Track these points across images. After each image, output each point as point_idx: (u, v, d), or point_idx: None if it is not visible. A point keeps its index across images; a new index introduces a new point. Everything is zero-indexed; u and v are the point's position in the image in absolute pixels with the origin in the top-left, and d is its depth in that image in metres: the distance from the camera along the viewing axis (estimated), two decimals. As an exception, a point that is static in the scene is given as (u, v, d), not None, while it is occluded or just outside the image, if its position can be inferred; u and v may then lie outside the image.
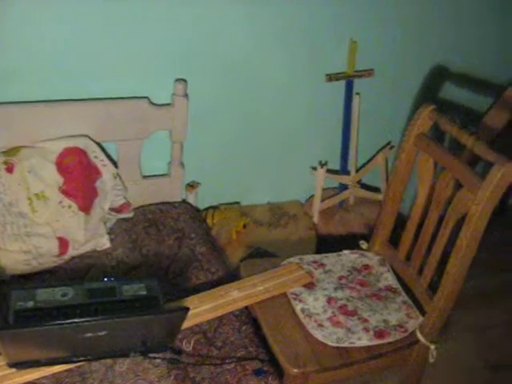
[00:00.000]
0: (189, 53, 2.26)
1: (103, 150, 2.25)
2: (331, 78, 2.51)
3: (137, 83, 2.25)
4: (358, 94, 2.63)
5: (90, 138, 2.19)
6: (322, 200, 2.69)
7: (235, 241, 2.50)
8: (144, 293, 1.78)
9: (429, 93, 2.79)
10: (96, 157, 2.20)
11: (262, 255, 2.42)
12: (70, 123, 2.15)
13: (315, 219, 2.68)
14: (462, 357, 2.48)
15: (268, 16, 2.30)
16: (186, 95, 2.27)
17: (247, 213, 2.65)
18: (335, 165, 2.78)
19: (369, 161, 2.85)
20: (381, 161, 2.74)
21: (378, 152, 2.84)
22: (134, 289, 1.79)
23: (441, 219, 1.85)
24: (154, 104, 2.27)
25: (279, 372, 1.77)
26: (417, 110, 1.92)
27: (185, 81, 2.27)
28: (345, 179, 2.72)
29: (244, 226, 2.53)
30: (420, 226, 1.96)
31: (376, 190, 2.91)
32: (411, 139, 1.93)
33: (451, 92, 2.81)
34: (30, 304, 1.69)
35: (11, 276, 2.00)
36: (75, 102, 2.16)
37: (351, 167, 2.74)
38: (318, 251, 2.52)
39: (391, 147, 2.82)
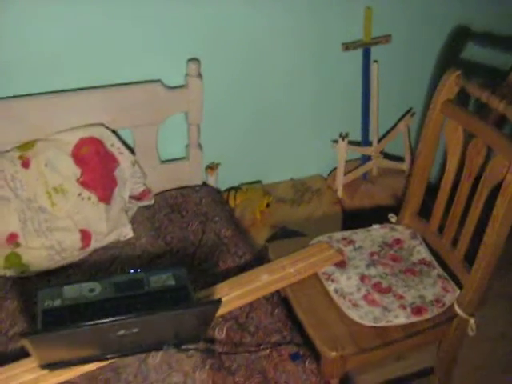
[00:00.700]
0: (200, 31, 2.18)
1: (119, 137, 2.19)
2: (348, 46, 2.43)
3: (148, 66, 2.18)
4: (375, 61, 2.54)
5: (104, 126, 2.13)
6: (345, 173, 2.62)
7: (259, 221, 2.45)
8: (172, 283, 1.75)
9: (450, 55, 2.70)
10: (112, 145, 2.14)
11: (288, 235, 2.37)
12: (83, 113, 2.09)
13: (339, 193, 2.61)
14: (496, 324, 2.42)
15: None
16: (199, 75, 2.20)
17: (269, 191, 2.59)
18: (356, 136, 2.70)
19: (390, 130, 2.77)
20: (403, 129, 2.66)
21: (399, 120, 2.75)
22: (162, 279, 1.76)
23: (473, 188, 1.78)
24: (167, 87, 2.20)
25: (315, 355, 1.73)
26: (442, 76, 1.83)
27: (198, 60, 2.19)
28: (367, 150, 2.65)
29: (267, 205, 2.47)
30: (451, 196, 1.88)
31: (399, 159, 2.83)
32: (438, 107, 1.85)
33: (473, 52, 2.71)
34: (58, 302, 1.66)
35: (35, 273, 1.96)
36: (87, 90, 2.09)
37: (373, 137, 2.66)
38: (345, 226, 2.47)
39: (412, 114, 2.74)
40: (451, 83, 1.81)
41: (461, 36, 2.67)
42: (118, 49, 2.10)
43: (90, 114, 2.11)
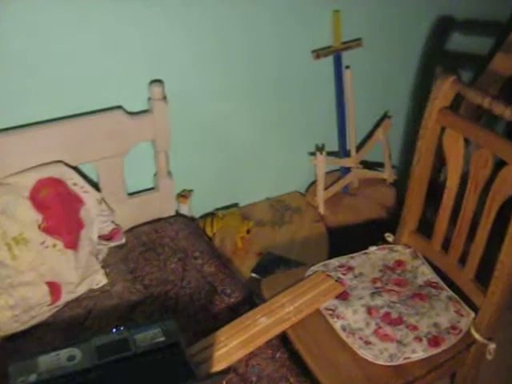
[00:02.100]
0: (160, 50, 1.99)
1: (81, 174, 1.98)
2: (319, 54, 2.27)
3: (106, 92, 1.97)
4: (348, 67, 2.39)
5: (64, 163, 1.91)
6: (325, 188, 2.45)
7: (241, 249, 2.26)
8: (162, 339, 1.55)
9: (429, 51, 2.58)
10: (75, 184, 1.93)
11: (274, 261, 2.19)
12: (39, 150, 1.87)
13: (321, 210, 2.45)
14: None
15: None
16: (164, 98, 2.00)
17: (247, 214, 2.41)
18: (333, 146, 2.54)
19: (368, 137, 2.62)
20: (381, 135, 2.52)
21: (376, 126, 2.61)
22: (149, 336, 1.56)
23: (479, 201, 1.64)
24: (130, 113, 2.00)
25: (328, 402, 1.56)
26: (435, 83, 1.69)
27: (161, 82, 2.00)
28: (347, 162, 2.50)
29: (248, 232, 2.29)
30: (454, 211, 1.74)
31: (378, 165, 2.69)
32: (433, 116, 1.71)
33: (455, 44, 2.61)
34: (33, 378, 1.45)
35: (1, 338, 1.73)
36: (41, 125, 1.87)
37: (351, 147, 2.51)
38: (332, 246, 2.30)
39: (389, 117, 2.60)
40: (446, 89, 1.66)
41: (440, 28, 2.55)
42: (72, 76, 1.89)
43: (47, 151, 1.89)
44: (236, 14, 2.06)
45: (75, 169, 1.95)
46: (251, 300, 1.87)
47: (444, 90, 1.66)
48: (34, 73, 1.82)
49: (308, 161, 2.51)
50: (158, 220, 2.20)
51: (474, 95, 1.59)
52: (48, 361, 1.48)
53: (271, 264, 2.19)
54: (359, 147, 2.55)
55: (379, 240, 2.01)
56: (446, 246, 1.80)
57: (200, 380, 1.43)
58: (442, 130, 1.72)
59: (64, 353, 1.51)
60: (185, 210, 2.26)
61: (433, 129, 1.72)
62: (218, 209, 2.43)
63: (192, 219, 2.30)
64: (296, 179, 2.60)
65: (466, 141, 1.65)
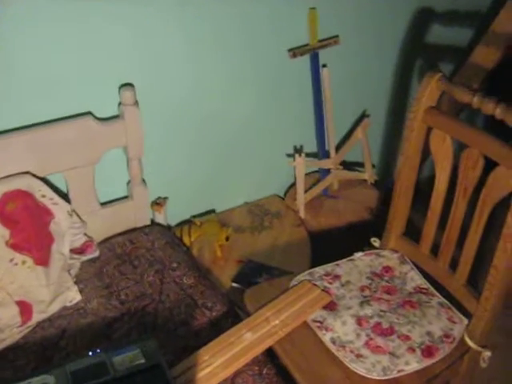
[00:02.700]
0: (130, 52, 1.89)
1: (50, 185, 1.86)
2: (295, 53, 2.19)
3: (74, 97, 1.87)
4: (324, 66, 2.31)
5: (31, 174, 1.80)
6: (305, 190, 2.37)
7: (220, 258, 2.17)
8: (142, 361, 1.46)
9: (408, 45, 2.52)
10: (43, 196, 1.82)
11: (256, 269, 2.11)
12: (3, 161, 1.76)
13: (301, 214, 2.37)
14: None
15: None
16: (136, 103, 1.90)
17: (225, 221, 2.32)
18: (311, 147, 2.46)
19: (347, 136, 2.55)
20: (361, 135, 2.44)
21: (354, 125, 2.54)
22: (128, 358, 1.46)
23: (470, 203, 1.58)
24: (99, 119, 1.89)
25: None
26: (422, 80, 1.62)
27: (132, 86, 1.89)
28: (326, 163, 2.42)
29: (227, 239, 2.19)
30: (443, 213, 1.68)
31: (357, 165, 2.62)
32: (419, 116, 1.63)
33: (434, 35, 2.54)
34: (5, 410, 1.33)
35: (-32, 364, 1.62)
36: (5, 134, 1.75)
37: (330, 147, 2.43)
38: (314, 250, 2.23)
39: (367, 116, 2.53)
40: (432, 88, 1.59)
41: (418, 21, 2.49)
42: (37, 80, 1.77)
43: (12, 161, 1.78)
44: (208, 13, 1.96)
45: (43, 180, 1.84)
46: (234, 313, 1.79)
47: (430, 89, 1.59)
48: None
49: (286, 163, 2.43)
50: (133, 230, 2.10)
51: (462, 94, 1.52)
52: (20, 391, 1.38)
53: (252, 272, 2.10)
54: (338, 148, 2.48)
55: (364, 244, 1.94)
56: (435, 250, 1.74)
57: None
58: (429, 130, 1.65)
59: (37, 381, 1.40)
60: (160, 218, 2.16)
61: (419, 129, 1.65)
62: (194, 216, 2.33)
63: (168, 228, 2.20)
64: (274, 182, 2.52)
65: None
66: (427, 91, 1.60)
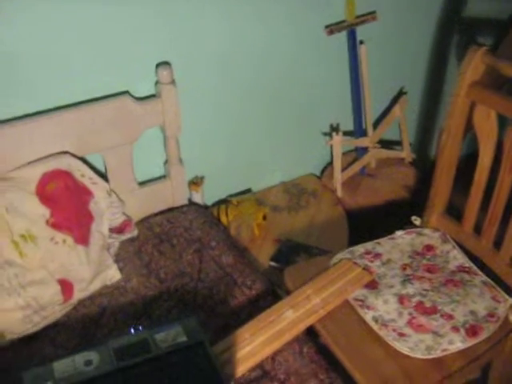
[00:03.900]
0: (167, 29, 1.87)
1: (89, 165, 1.87)
2: (332, 30, 2.15)
3: (111, 76, 1.86)
4: (362, 42, 2.27)
5: (70, 154, 1.81)
6: (341, 169, 2.35)
7: (258, 237, 2.17)
8: (184, 339, 1.45)
9: (446, 20, 2.45)
10: (83, 175, 1.83)
11: (294, 249, 2.10)
12: (43, 142, 1.77)
13: (339, 193, 2.35)
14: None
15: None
16: (173, 82, 1.89)
17: (262, 200, 2.31)
18: (347, 125, 2.43)
19: (383, 115, 2.51)
20: (399, 113, 2.40)
21: (391, 103, 2.50)
22: (170, 336, 1.46)
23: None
24: (137, 98, 1.89)
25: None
26: (460, 56, 1.58)
27: (169, 64, 1.88)
28: (364, 142, 2.39)
29: (264, 218, 2.19)
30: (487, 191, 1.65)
31: (394, 144, 2.59)
32: (463, 91, 1.60)
33: (469, 12, 2.47)
34: (50, 386, 1.35)
35: (12, 340, 1.64)
36: (44, 115, 1.75)
37: (367, 126, 2.40)
38: (352, 229, 2.21)
39: (405, 93, 2.49)
40: (477, 62, 1.56)
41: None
42: (74, 59, 1.77)
43: (51, 142, 1.78)
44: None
45: (82, 159, 1.85)
46: (273, 291, 1.78)
47: (474, 63, 1.56)
48: (34, 60, 1.70)
49: (322, 141, 2.41)
50: (171, 209, 2.10)
51: (508, 67, 1.48)
52: (64, 367, 1.39)
53: (290, 251, 2.09)
54: (375, 126, 2.44)
55: (403, 223, 1.91)
56: (477, 228, 1.70)
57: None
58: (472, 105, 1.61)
59: (80, 357, 1.41)
60: (197, 198, 2.16)
61: (462, 105, 1.62)
62: (231, 195, 2.32)
63: (205, 207, 2.20)
64: (310, 161, 2.50)
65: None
66: (471, 66, 1.57)
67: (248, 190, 2.37)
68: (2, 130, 1.69)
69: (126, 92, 1.88)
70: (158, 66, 1.89)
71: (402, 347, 1.48)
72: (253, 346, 1.50)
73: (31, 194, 1.73)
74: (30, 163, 1.76)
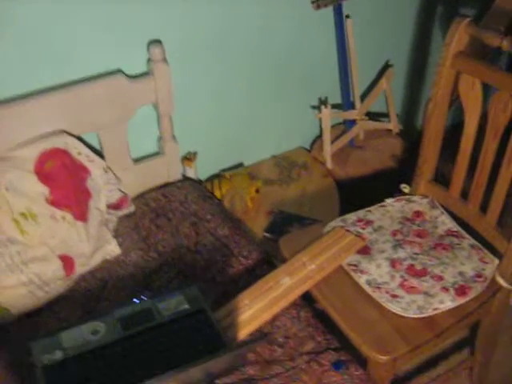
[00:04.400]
0: (157, 7, 1.90)
1: (84, 143, 1.91)
2: (319, 5, 2.19)
3: (102, 54, 1.88)
4: (347, 16, 2.31)
5: (66, 133, 1.84)
6: (331, 142, 2.40)
7: (252, 209, 2.22)
8: (186, 306, 1.53)
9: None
10: (80, 153, 1.87)
11: (287, 219, 2.15)
12: (39, 121, 1.80)
13: (329, 165, 2.40)
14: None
15: None
16: (165, 60, 1.92)
17: (254, 174, 2.36)
18: (336, 98, 2.48)
19: (370, 87, 2.56)
20: (385, 85, 2.45)
21: (378, 75, 2.54)
22: (172, 304, 1.54)
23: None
24: (130, 77, 1.92)
25: (358, 359, 1.54)
26: (450, 27, 1.63)
27: (160, 42, 1.92)
28: (352, 114, 2.43)
29: (257, 191, 2.24)
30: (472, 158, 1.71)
31: (381, 116, 2.64)
32: (448, 61, 1.65)
33: None
34: (59, 355, 1.42)
35: (18, 316, 1.69)
36: (39, 94, 1.78)
37: (355, 99, 2.45)
38: (343, 199, 2.27)
39: (390, 66, 2.54)
40: (461, 33, 1.61)
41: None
42: (65, 38, 1.79)
43: (47, 121, 1.82)
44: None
45: (78, 138, 1.88)
46: (268, 260, 1.84)
47: (459, 34, 1.61)
48: (27, 39, 1.73)
49: (311, 115, 2.46)
50: (166, 185, 2.14)
51: (491, 38, 1.54)
52: (71, 336, 1.46)
53: (284, 222, 2.15)
54: (362, 98, 2.49)
55: (393, 192, 1.97)
56: (464, 194, 1.77)
57: (236, 348, 1.40)
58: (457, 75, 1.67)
59: (87, 327, 1.48)
60: (191, 173, 2.21)
61: (448, 75, 1.67)
62: (223, 170, 2.37)
63: (199, 182, 2.25)
64: (299, 134, 2.54)
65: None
66: (456, 36, 1.62)
67: (240, 165, 2.42)
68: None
69: (119, 70, 1.91)
70: (149, 44, 1.92)
71: (395, 308, 1.55)
72: (252, 311, 1.56)
73: (30, 172, 1.76)
74: (27, 143, 1.79)
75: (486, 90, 1.61)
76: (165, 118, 2.04)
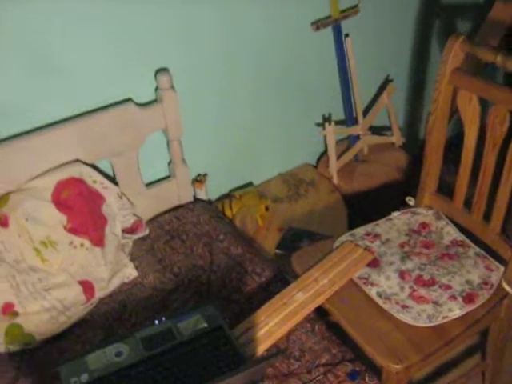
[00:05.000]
0: (165, 36, 1.98)
1: (98, 170, 1.98)
2: (318, 26, 2.26)
3: (113, 84, 1.96)
4: (347, 35, 2.39)
5: (81, 162, 1.92)
6: (336, 157, 2.46)
7: (262, 227, 2.28)
8: (205, 325, 1.58)
9: (423, 8, 2.57)
10: (95, 181, 1.94)
11: (297, 236, 2.22)
12: (54, 152, 1.87)
13: (335, 180, 2.46)
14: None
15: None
16: (172, 87, 2.00)
17: (263, 192, 2.43)
18: (339, 114, 2.55)
19: (372, 102, 2.63)
20: (387, 100, 2.51)
21: (379, 90, 2.61)
22: (191, 324, 1.59)
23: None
24: (140, 105, 2.00)
25: (372, 368, 1.60)
26: (442, 42, 1.70)
27: (167, 70, 1.99)
28: (355, 130, 2.50)
29: (266, 209, 2.31)
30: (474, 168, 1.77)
31: (385, 129, 2.71)
32: (445, 78, 1.71)
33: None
34: (85, 378, 1.48)
35: (42, 341, 1.75)
36: (53, 126, 1.86)
37: (358, 114, 2.52)
38: (350, 213, 2.33)
39: (391, 80, 2.61)
40: (457, 50, 1.67)
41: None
42: (78, 70, 1.87)
43: (62, 151, 1.89)
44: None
45: (92, 166, 1.95)
46: (281, 277, 1.90)
47: (454, 51, 1.67)
48: (41, 73, 1.81)
49: (315, 132, 2.53)
50: (178, 207, 2.21)
51: (486, 53, 1.60)
52: (97, 359, 1.51)
53: (294, 238, 2.21)
54: (365, 113, 2.56)
55: (399, 204, 2.03)
56: (468, 204, 1.82)
57: (255, 364, 1.45)
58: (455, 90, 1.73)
59: (111, 349, 1.53)
60: (202, 194, 2.27)
61: (446, 91, 1.73)
62: (233, 189, 2.44)
63: (210, 203, 2.31)
64: (305, 151, 2.61)
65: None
66: (451, 54, 1.68)
67: (249, 184, 2.48)
68: (16, 144, 1.80)
69: (130, 99, 1.99)
70: (157, 72, 1.99)
71: (406, 318, 1.60)
72: (269, 326, 1.62)
73: (48, 202, 1.82)
74: (44, 173, 1.86)
75: (485, 101, 1.67)
76: (174, 143, 2.11)
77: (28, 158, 1.83)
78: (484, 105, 1.68)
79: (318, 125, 2.53)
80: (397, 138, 2.61)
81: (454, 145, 1.94)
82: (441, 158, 1.87)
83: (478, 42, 1.69)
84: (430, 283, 1.69)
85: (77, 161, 1.92)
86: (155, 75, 2.00)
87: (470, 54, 1.68)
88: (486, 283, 1.69)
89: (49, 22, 1.75)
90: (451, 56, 1.68)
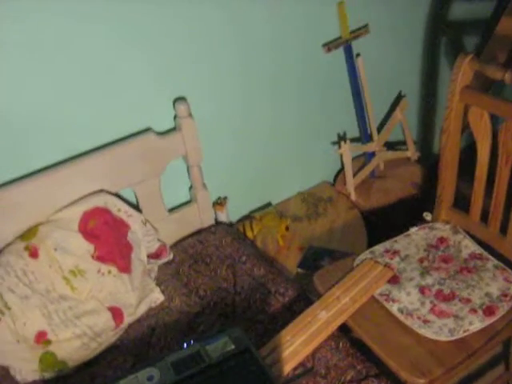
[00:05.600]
0: (181, 67, 2.04)
1: (123, 199, 2.04)
2: (330, 48, 2.32)
3: (134, 116, 2.03)
4: (358, 55, 2.44)
5: (105, 191, 1.98)
6: (353, 175, 2.51)
7: (283, 247, 2.33)
8: (232, 347, 1.61)
9: (432, 25, 2.61)
10: (119, 210, 2.00)
11: (318, 254, 2.26)
12: (79, 183, 1.94)
13: (353, 197, 2.51)
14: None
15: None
16: (190, 115, 2.06)
17: (282, 212, 2.47)
18: (353, 132, 2.60)
19: (386, 118, 2.67)
20: (400, 115, 2.56)
21: (392, 106, 2.66)
22: (219, 346, 1.62)
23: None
24: (159, 133, 2.06)
25: (396, 383, 1.63)
26: (451, 58, 1.75)
27: (185, 99, 2.06)
28: (371, 147, 2.55)
29: (287, 229, 2.35)
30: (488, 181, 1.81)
31: (399, 144, 2.75)
32: (456, 96, 1.75)
33: (462, 11, 2.63)
34: (120, 402, 1.51)
35: (75, 368, 1.81)
36: (78, 158, 1.93)
37: (372, 131, 2.56)
38: (369, 229, 2.37)
39: (403, 96, 2.65)
40: (466, 69, 1.71)
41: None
42: (94, 106, 1.94)
43: (87, 182, 1.96)
44: (258, 16, 2.12)
45: (116, 195, 2.01)
46: (304, 296, 1.94)
47: (463, 70, 1.71)
48: (62, 108, 1.88)
49: (331, 150, 2.57)
50: (200, 231, 2.27)
51: (494, 71, 1.64)
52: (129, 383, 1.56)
53: (315, 257, 2.25)
54: (379, 130, 2.61)
55: (416, 218, 2.07)
56: (484, 217, 1.86)
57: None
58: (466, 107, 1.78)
59: (142, 374, 1.57)
60: (223, 217, 2.33)
61: (457, 108, 1.77)
62: (252, 211, 2.49)
63: (231, 225, 2.36)
64: (322, 170, 2.66)
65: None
66: (461, 72, 1.72)
67: (268, 204, 2.54)
68: (44, 177, 1.87)
69: (150, 129, 2.05)
70: (175, 101, 2.05)
71: (428, 333, 1.64)
72: (294, 346, 1.66)
73: (75, 232, 1.89)
74: (70, 204, 1.93)
75: (497, 117, 1.71)
76: (194, 169, 2.17)
77: (55, 192, 1.89)
78: (496, 118, 1.72)
79: (334, 143, 2.58)
80: (412, 152, 2.65)
81: (466, 155, 1.98)
82: (456, 173, 1.91)
83: (486, 58, 1.73)
84: (450, 297, 1.72)
85: (101, 191, 1.98)
86: (173, 104, 2.06)
87: (479, 72, 1.72)
88: (505, 295, 1.72)
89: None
90: (460, 75, 1.72)
